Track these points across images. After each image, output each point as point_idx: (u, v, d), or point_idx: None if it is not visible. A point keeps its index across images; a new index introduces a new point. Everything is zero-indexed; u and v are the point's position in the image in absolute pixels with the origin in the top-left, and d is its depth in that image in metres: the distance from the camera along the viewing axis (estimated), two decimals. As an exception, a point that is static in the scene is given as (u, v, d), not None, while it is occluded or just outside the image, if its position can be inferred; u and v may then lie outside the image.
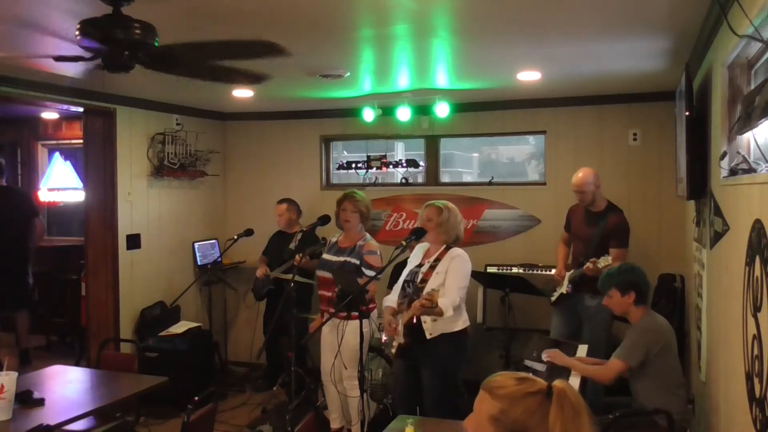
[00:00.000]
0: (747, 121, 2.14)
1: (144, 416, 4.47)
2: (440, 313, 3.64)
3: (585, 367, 3.59)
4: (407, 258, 4.44)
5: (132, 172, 5.50)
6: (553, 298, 4.83)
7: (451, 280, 3.78)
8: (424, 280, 3.84)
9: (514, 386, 1.57)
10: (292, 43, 3.47)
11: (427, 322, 3.75)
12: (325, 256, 4.56)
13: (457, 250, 3.91)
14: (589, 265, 4.38)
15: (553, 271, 4.95)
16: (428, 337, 3.76)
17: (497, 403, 1.56)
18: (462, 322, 3.87)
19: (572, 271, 4.71)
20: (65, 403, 3.40)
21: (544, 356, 3.69)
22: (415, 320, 3.76)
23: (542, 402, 1.53)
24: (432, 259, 3.92)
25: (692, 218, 4.12)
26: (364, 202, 4.53)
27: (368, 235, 4.54)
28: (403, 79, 4.73)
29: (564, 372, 3.55)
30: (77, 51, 2.80)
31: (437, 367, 3.80)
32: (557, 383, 1.55)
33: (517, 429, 1.53)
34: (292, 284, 4.42)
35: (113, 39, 2.57)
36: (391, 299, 4.02)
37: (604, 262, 4.30)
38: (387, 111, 5.58)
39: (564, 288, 4.70)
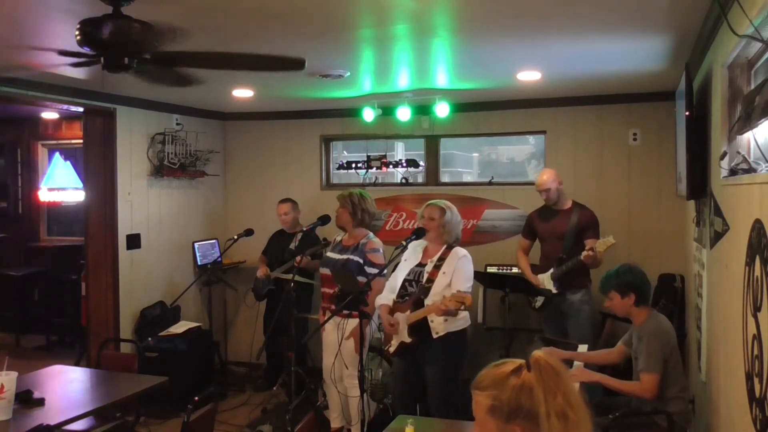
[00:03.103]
0: (747, 121, 2.14)
1: (144, 416, 4.46)
2: (455, 314, 3.67)
3: (622, 384, 3.42)
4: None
5: (132, 172, 5.50)
6: (537, 305, 4.85)
7: (459, 279, 3.78)
8: (431, 280, 3.84)
9: (495, 372, 1.63)
10: (292, 43, 3.47)
11: (434, 321, 3.74)
12: (329, 253, 4.57)
13: (461, 250, 3.91)
14: (587, 252, 4.41)
15: (552, 271, 4.94)
16: (435, 336, 3.77)
17: (487, 393, 1.60)
18: (464, 321, 3.90)
19: (552, 270, 4.75)
20: (65, 403, 3.40)
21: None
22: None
23: (525, 377, 1.58)
24: (435, 258, 3.91)
25: (692, 218, 4.12)
26: (355, 196, 4.49)
27: (371, 234, 4.54)
28: (403, 79, 4.73)
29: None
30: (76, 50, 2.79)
31: (442, 365, 3.80)
32: (533, 354, 1.61)
33: (514, 410, 1.57)
34: (292, 284, 4.43)
35: (113, 39, 2.57)
36: (386, 297, 4.01)
37: (605, 244, 4.32)
38: (387, 111, 5.58)
39: (549, 287, 4.73)
